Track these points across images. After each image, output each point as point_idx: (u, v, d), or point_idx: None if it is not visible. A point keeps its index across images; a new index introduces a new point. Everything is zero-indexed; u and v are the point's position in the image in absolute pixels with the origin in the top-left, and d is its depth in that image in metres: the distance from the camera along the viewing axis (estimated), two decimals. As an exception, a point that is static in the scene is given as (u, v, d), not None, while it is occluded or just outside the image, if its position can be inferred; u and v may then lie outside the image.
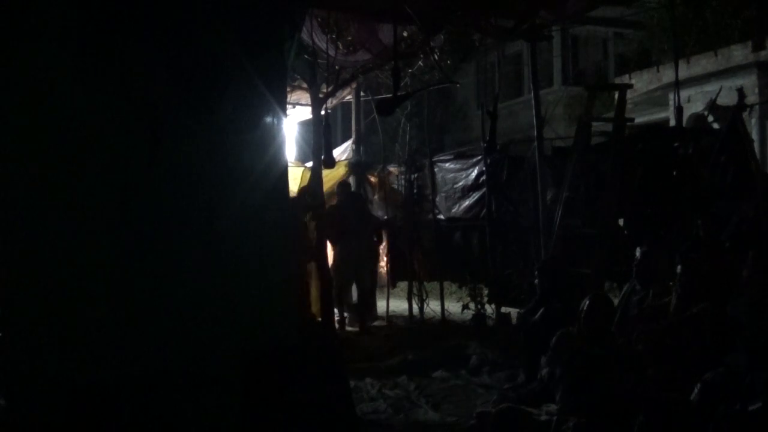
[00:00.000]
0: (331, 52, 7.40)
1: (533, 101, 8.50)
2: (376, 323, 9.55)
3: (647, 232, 7.36)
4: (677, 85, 7.72)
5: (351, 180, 10.24)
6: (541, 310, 6.08)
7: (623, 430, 4.12)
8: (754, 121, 11.32)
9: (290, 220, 3.85)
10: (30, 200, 3.25)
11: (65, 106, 3.26)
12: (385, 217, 10.11)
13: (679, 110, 7.62)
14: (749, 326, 4.53)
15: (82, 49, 3.27)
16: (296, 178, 9.06)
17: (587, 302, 4.67)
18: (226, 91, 3.54)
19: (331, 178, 9.46)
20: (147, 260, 3.36)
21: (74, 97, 3.26)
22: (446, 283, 10.08)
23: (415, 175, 9.90)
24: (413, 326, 9.25)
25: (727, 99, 9.17)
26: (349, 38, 8.04)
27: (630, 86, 10.05)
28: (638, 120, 11.76)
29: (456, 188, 10.20)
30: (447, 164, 10.53)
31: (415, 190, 9.87)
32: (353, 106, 10.55)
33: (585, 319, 4.62)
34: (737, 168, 7.26)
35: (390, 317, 9.82)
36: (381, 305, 10.11)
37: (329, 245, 8.88)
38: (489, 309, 8.82)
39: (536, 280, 6.41)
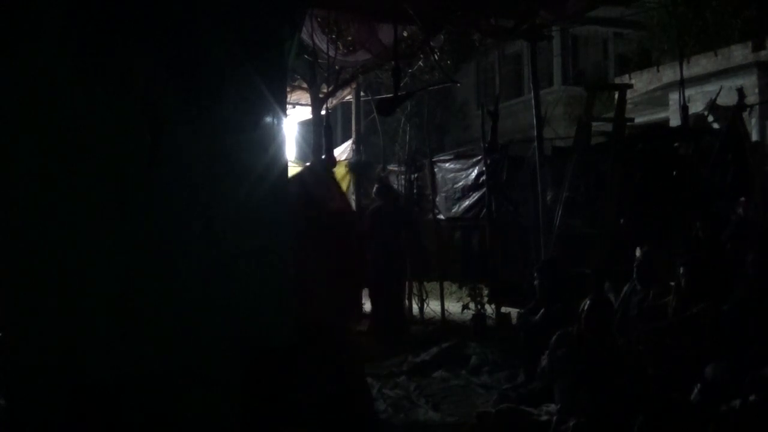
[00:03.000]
0: (331, 52, 7.40)
1: (533, 101, 8.49)
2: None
3: (647, 232, 7.36)
4: (682, 84, 7.71)
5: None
6: (542, 311, 6.08)
7: (623, 430, 4.12)
8: (754, 121, 11.31)
9: (290, 219, 3.84)
10: (30, 200, 3.25)
11: (65, 105, 3.26)
12: None
13: (684, 109, 7.60)
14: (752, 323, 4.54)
15: (82, 49, 3.27)
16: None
17: (587, 303, 4.67)
18: (226, 91, 3.54)
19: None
20: (146, 260, 3.36)
21: (74, 96, 3.26)
22: (446, 283, 10.08)
23: (415, 175, 9.91)
24: (413, 326, 9.24)
25: (727, 99, 9.16)
26: (349, 38, 8.03)
27: (630, 86, 10.05)
28: (638, 120, 11.75)
29: (456, 188, 10.21)
30: (447, 164, 10.53)
31: (415, 190, 9.87)
32: (353, 106, 10.55)
33: (585, 320, 4.62)
34: (737, 168, 7.27)
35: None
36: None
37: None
38: (489, 309, 8.81)
39: (536, 281, 6.41)
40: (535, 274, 6.49)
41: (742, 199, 7.07)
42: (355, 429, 4.58)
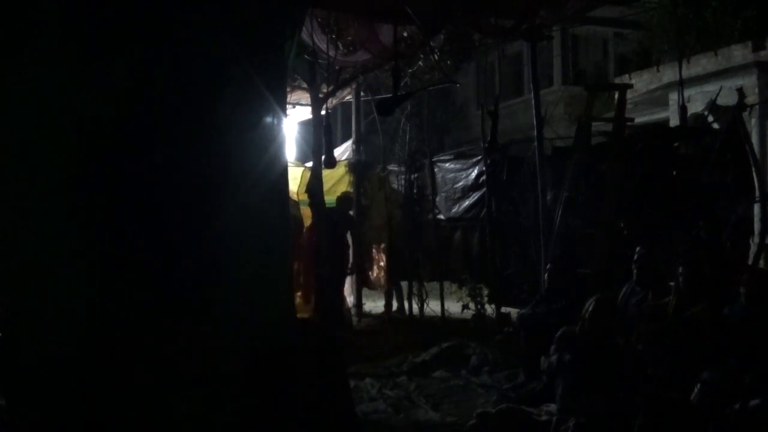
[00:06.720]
0: (331, 52, 7.40)
1: (533, 101, 8.48)
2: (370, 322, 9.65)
3: (647, 232, 7.35)
4: (681, 84, 7.70)
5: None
6: (543, 310, 6.08)
7: (623, 430, 4.12)
8: (754, 121, 11.29)
9: (289, 220, 3.84)
10: (29, 200, 3.25)
11: (65, 105, 3.26)
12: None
13: (683, 109, 7.59)
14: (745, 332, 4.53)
15: (82, 49, 3.27)
16: (296, 178, 9.06)
17: (593, 304, 4.66)
18: (226, 91, 3.54)
19: (330, 178, 9.48)
20: (147, 260, 3.36)
21: (74, 96, 3.26)
22: (446, 283, 10.07)
23: (415, 175, 9.90)
24: (413, 326, 9.25)
25: (727, 99, 9.14)
26: (349, 38, 8.03)
27: (630, 86, 10.03)
28: (638, 120, 11.74)
29: (456, 188, 10.19)
30: (447, 164, 10.52)
31: (415, 190, 9.86)
32: (353, 106, 10.55)
33: (589, 321, 4.61)
34: (737, 168, 7.25)
35: (390, 317, 9.82)
36: (381, 305, 10.11)
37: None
38: (489, 309, 8.81)
39: (546, 276, 6.42)
40: (547, 271, 6.49)
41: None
42: (342, 428, 4.57)
